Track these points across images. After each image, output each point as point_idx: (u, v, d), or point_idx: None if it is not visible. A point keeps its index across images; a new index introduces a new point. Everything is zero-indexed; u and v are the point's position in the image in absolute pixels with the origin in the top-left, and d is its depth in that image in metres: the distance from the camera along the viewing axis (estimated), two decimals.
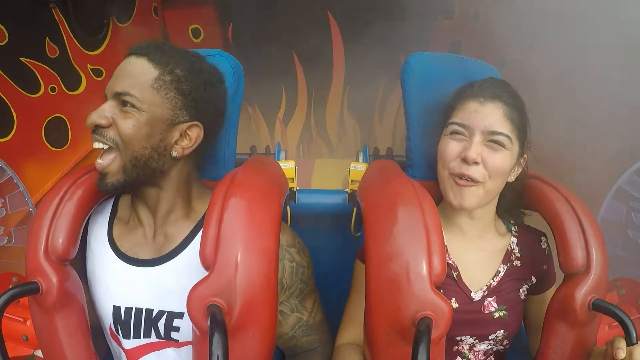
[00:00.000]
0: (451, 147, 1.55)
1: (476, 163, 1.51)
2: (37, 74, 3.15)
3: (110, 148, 1.43)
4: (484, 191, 1.54)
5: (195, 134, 1.49)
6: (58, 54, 3.35)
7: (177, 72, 1.45)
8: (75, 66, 3.53)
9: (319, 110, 4.87)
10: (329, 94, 4.81)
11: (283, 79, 4.73)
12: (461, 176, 1.53)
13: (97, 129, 1.43)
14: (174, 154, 1.48)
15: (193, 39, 4.60)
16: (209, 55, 1.61)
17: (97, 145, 1.44)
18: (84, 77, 3.58)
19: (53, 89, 3.27)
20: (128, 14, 4.09)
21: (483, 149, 1.52)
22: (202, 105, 1.49)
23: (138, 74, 1.43)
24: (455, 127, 1.55)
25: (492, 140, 1.51)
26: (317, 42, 4.52)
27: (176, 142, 1.48)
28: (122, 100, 1.42)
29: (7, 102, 2.89)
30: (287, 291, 1.55)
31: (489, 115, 1.52)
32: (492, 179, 1.53)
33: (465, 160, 1.51)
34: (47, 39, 3.27)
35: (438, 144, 1.62)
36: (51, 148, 3.17)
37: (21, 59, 3.07)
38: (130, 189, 1.50)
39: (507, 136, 1.52)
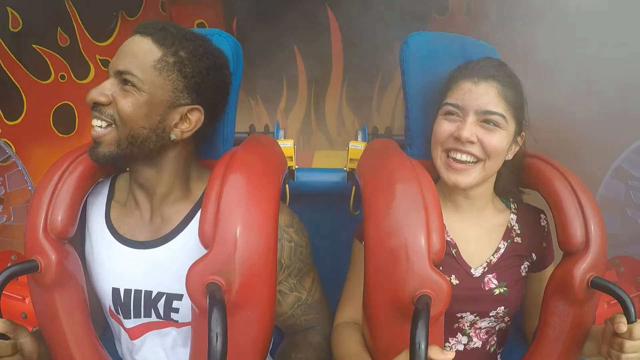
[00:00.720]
0: (444, 127, 1.48)
1: (471, 142, 1.44)
2: (48, 61, 3.17)
3: (108, 125, 1.36)
4: (482, 169, 1.47)
5: (196, 117, 1.42)
6: (69, 43, 3.35)
7: (180, 54, 1.38)
8: (85, 56, 3.51)
9: (318, 103, 4.84)
10: (328, 87, 4.78)
11: (285, 72, 4.71)
12: (455, 151, 1.46)
13: (96, 106, 1.36)
14: (173, 136, 1.40)
15: None
16: (208, 34, 1.54)
17: (96, 122, 1.37)
18: (92, 67, 3.56)
19: (63, 77, 3.28)
20: (136, 8, 4.05)
21: (477, 129, 1.45)
22: (205, 89, 1.41)
23: (141, 53, 1.36)
24: (449, 107, 1.48)
25: (486, 120, 1.44)
26: (317, 36, 4.48)
27: (176, 125, 1.40)
28: (123, 78, 1.35)
29: (19, 86, 2.87)
30: (285, 270, 1.49)
31: (483, 95, 1.44)
32: (490, 159, 1.46)
33: (458, 139, 1.45)
34: (59, 28, 3.29)
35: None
36: (58, 134, 3.17)
37: (34, 46, 3.08)
38: (121, 163, 1.43)
39: (502, 115, 1.44)
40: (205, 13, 4.60)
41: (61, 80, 3.24)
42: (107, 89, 1.36)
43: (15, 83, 2.85)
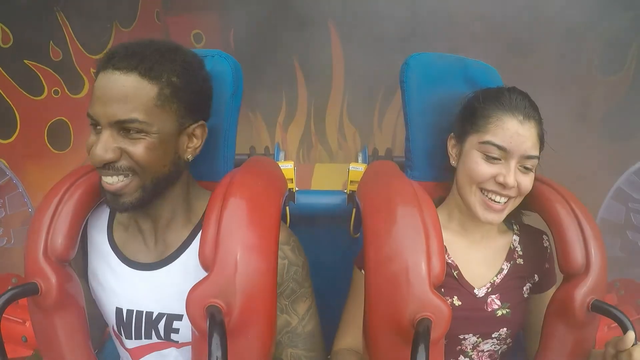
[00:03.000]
0: (485, 169, 1.49)
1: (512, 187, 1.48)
2: (40, 76, 3.17)
3: (126, 176, 1.32)
4: (512, 206, 1.52)
5: (201, 131, 1.42)
6: (61, 57, 3.36)
7: (173, 80, 1.33)
8: (79, 69, 3.51)
9: (318, 116, 4.87)
10: (328, 101, 4.81)
11: (284, 85, 4.73)
12: (495, 194, 1.49)
13: (106, 164, 1.30)
14: (189, 157, 1.41)
15: (195, 44, 4.59)
16: (208, 55, 1.57)
17: (111, 179, 1.32)
18: (86, 81, 3.57)
19: (56, 92, 3.29)
20: (131, 19, 4.07)
21: (517, 172, 1.48)
22: (201, 103, 1.43)
23: (137, 95, 1.27)
24: (493, 148, 1.48)
25: (526, 165, 1.48)
26: (318, 49, 4.51)
27: (187, 146, 1.40)
28: (124, 127, 1.28)
29: (11, 104, 2.90)
30: (277, 289, 1.46)
31: (528, 139, 1.46)
32: (520, 196, 1.51)
33: (501, 185, 1.47)
34: (51, 42, 3.29)
35: (448, 146, 1.58)
36: (53, 150, 3.17)
37: (25, 61, 3.09)
38: (147, 205, 1.40)
39: (538, 157, 1.49)
40: (202, 23, 4.60)
41: (55, 96, 3.26)
42: (109, 143, 1.28)
43: (8, 100, 2.87)
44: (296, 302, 1.51)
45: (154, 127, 1.30)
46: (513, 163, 1.46)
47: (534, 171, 1.51)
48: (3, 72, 2.89)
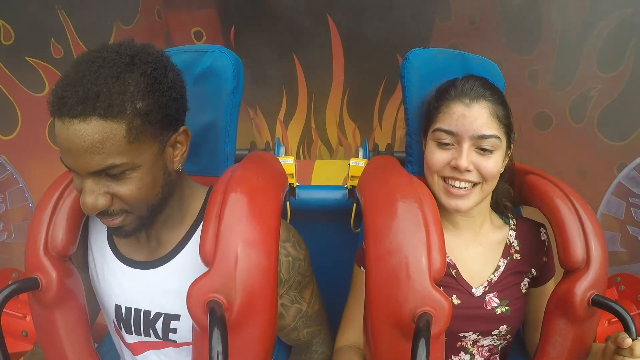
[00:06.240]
0: (439, 156, 1.51)
1: (468, 170, 1.47)
2: (42, 73, 3.16)
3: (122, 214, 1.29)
4: (480, 193, 1.51)
5: (184, 136, 1.35)
6: (63, 54, 3.35)
7: (139, 107, 1.19)
8: None
9: (319, 112, 4.86)
10: (328, 96, 4.81)
11: (284, 82, 4.71)
12: (454, 180, 1.49)
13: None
14: (178, 167, 1.36)
15: (195, 42, 4.59)
16: (209, 51, 1.58)
17: (108, 220, 1.29)
18: None
19: None
20: (132, 17, 4.07)
21: (473, 154, 1.48)
22: (175, 110, 1.30)
23: (105, 141, 1.16)
24: (442, 134, 1.50)
25: (482, 145, 1.47)
26: (317, 44, 4.50)
27: (173, 157, 1.34)
28: (106, 173, 1.20)
29: (12, 100, 2.90)
30: (285, 284, 1.49)
31: (477, 119, 1.46)
32: (487, 182, 1.50)
33: (456, 169, 1.48)
34: (53, 39, 3.29)
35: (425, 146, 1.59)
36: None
37: (27, 58, 3.09)
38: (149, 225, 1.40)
39: (496, 137, 1.47)
40: (202, 21, 4.60)
41: None
42: (96, 191, 1.22)
43: (9, 97, 2.88)
44: (302, 290, 1.55)
45: (135, 162, 1.22)
46: (465, 145, 1.47)
47: (500, 152, 1.50)
48: (4, 68, 2.90)
